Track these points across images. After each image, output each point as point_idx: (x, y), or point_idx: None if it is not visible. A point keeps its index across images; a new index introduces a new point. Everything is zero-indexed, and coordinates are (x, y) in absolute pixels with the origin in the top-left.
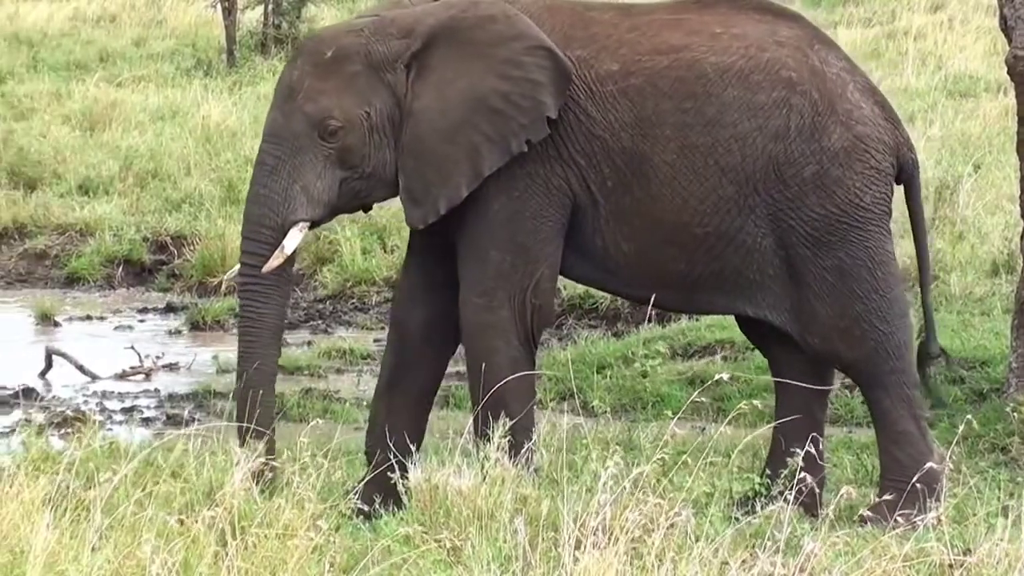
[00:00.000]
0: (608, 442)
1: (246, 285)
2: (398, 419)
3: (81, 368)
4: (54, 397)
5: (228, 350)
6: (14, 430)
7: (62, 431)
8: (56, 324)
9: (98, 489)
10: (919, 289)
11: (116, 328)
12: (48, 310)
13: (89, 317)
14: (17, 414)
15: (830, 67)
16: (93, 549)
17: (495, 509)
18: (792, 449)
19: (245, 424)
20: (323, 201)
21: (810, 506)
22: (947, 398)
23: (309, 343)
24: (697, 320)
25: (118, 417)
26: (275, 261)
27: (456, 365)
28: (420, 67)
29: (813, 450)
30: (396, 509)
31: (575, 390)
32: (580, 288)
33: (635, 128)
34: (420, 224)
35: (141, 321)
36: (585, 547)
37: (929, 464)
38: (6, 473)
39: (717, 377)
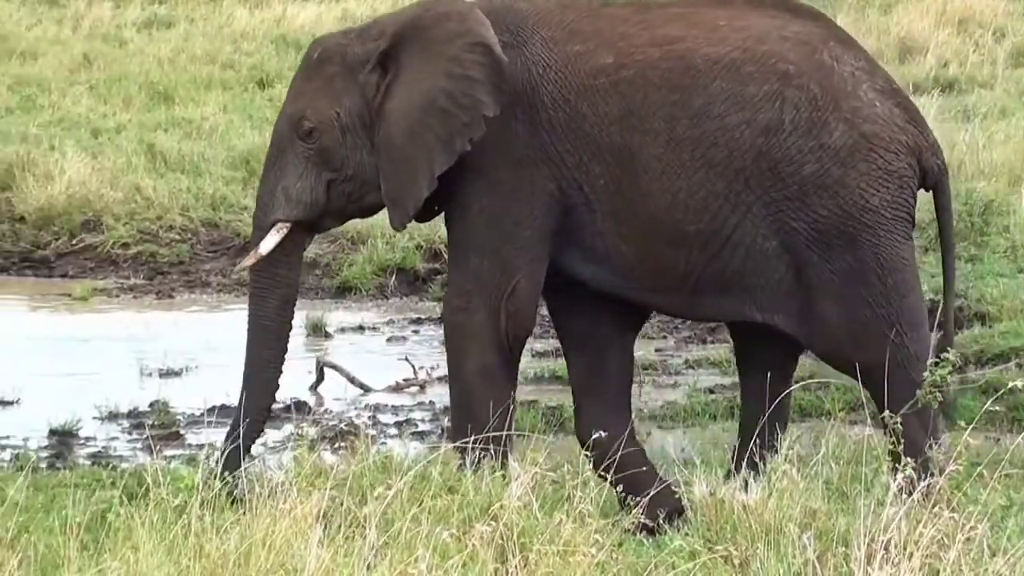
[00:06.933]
0: (900, 453)
1: (250, 285)
2: (602, 420)
3: (353, 380)
4: (326, 411)
5: None
6: (286, 445)
7: (335, 446)
8: (327, 335)
9: (372, 505)
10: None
11: (389, 339)
12: (319, 321)
13: (361, 328)
14: (289, 428)
15: (843, 65)
16: (368, 567)
17: (783, 523)
18: None
19: (233, 429)
20: (304, 202)
21: None
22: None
23: None
24: (990, 327)
25: (391, 431)
26: (247, 261)
27: None
28: (396, 68)
29: None
30: (680, 524)
31: (864, 400)
32: None
33: (624, 121)
34: (400, 226)
35: (415, 332)
36: (877, 563)
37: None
38: (279, 489)
39: (1011, 385)
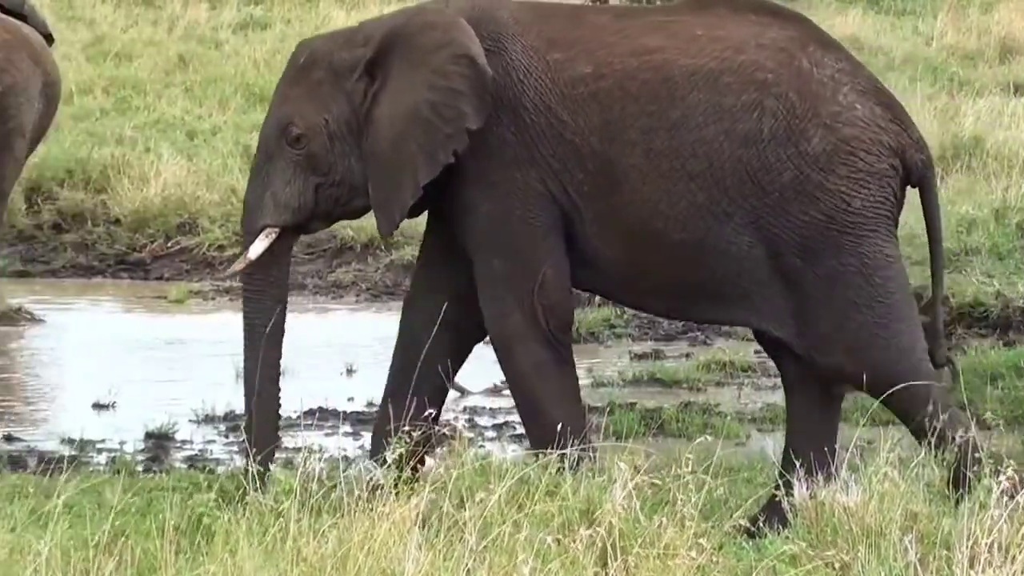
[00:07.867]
0: (1002, 456)
1: (244, 289)
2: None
3: (451, 383)
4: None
5: (603, 363)
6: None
7: (433, 449)
8: None
9: (472, 508)
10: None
11: (487, 341)
12: None
13: None
14: None
15: (822, 69)
16: (467, 571)
17: (885, 526)
18: None
19: (250, 434)
20: (292, 207)
21: None
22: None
23: (687, 355)
24: None
25: (490, 433)
26: (237, 266)
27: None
28: (383, 75)
29: None
30: (781, 527)
31: (965, 402)
32: (968, 296)
33: (602, 131)
34: (387, 233)
35: None
36: (980, 566)
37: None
38: (378, 492)
39: None
